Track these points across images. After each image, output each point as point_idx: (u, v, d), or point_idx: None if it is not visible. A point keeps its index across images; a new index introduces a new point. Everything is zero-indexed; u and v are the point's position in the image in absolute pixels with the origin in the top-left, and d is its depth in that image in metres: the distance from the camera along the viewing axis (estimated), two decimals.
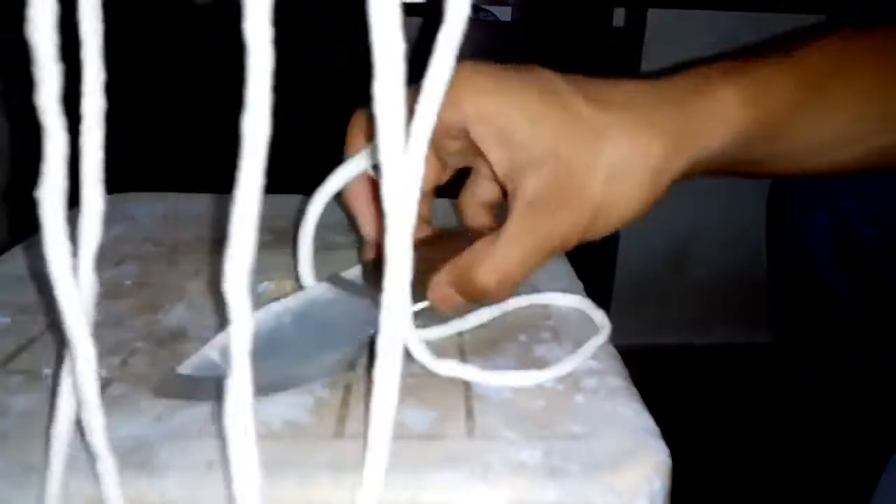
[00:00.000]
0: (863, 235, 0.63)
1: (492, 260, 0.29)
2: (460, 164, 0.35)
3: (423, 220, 0.35)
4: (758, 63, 0.31)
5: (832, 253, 0.65)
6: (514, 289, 0.30)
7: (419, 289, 0.31)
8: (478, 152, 0.31)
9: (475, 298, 0.30)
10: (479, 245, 0.30)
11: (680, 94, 0.30)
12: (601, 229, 0.29)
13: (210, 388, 0.26)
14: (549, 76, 0.30)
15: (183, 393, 0.26)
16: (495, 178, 0.32)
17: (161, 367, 0.28)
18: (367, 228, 0.34)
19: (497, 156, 0.30)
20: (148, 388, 0.27)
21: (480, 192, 0.35)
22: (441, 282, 0.31)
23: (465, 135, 0.31)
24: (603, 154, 0.28)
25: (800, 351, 0.74)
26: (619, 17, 1.30)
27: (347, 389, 0.27)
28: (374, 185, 0.33)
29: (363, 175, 0.33)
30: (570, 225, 0.29)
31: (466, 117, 0.29)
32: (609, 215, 0.29)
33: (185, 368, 0.27)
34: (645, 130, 0.28)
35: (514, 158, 0.29)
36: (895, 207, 0.62)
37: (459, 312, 0.32)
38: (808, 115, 0.32)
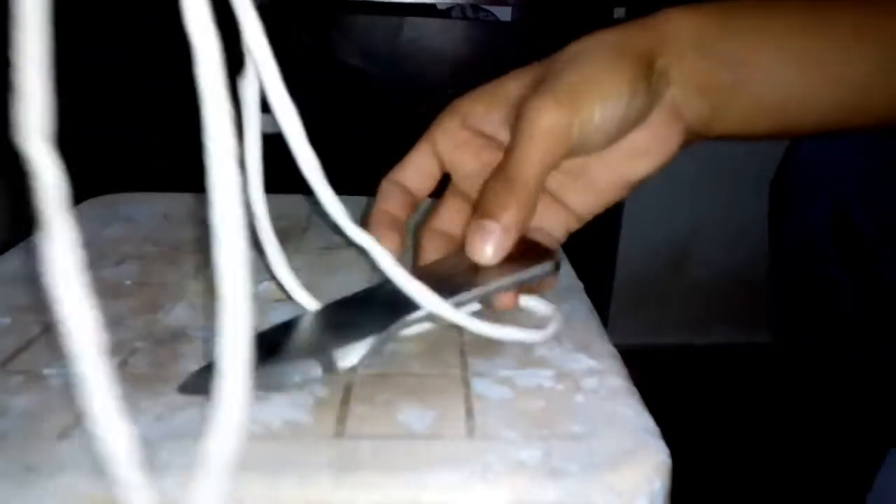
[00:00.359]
0: (864, 232, 0.63)
1: (505, 165, 0.31)
2: None
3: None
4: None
5: (833, 250, 0.65)
6: (536, 191, 0.31)
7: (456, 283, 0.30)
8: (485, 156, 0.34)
9: (504, 209, 0.30)
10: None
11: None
12: (596, 112, 0.31)
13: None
14: None
15: (204, 389, 0.26)
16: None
17: (161, 367, 0.28)
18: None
19: (497, 115, 0.34)
20: (148, 388, 0.27)
21: (440, 221, 0.35)
22: (473, 223, 0.31)
23: (470, 138, 0.34)
24: (566, 52, 0.33)
25: (800, 351, 0.74)
26: (619, 16, 1.30)
27: (347, 389, 0.27)
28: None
29: (381, 205, 0.35)
30: (557, 109, 0.30)
31: (461, 110, 0.35)
32: (589, 92, 0.31)
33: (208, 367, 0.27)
34: (602, 31, 0.34)
35: (510, 107, 0.33)
36: None
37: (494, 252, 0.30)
38: (767, 35, 0.34)
